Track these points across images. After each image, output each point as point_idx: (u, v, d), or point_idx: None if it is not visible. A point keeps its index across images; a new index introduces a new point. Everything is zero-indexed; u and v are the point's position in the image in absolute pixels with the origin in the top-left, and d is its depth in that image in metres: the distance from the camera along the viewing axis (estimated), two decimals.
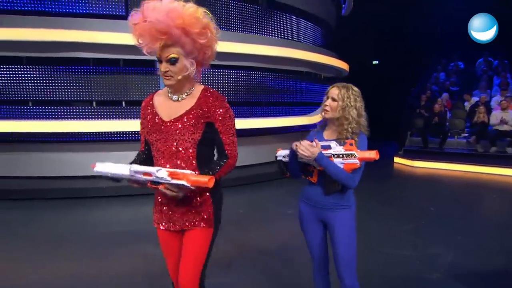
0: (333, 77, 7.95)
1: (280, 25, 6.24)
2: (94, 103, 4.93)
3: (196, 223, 1.33)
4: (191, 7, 1.14)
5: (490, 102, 7.80)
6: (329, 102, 1.57)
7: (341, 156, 1.47)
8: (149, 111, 1.34)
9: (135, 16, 1.13)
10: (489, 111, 7.07)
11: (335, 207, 1.62)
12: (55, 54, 4.51)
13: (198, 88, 1.33)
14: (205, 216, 1.34)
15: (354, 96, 1.55)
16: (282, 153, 1.68)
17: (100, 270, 2.62)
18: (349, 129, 1.53)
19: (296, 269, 2.58)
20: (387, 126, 9.23)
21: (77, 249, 2.98)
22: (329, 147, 1.48)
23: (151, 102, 1.36)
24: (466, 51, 10.60)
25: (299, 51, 5.80)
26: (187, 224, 1.34)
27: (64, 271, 2.57)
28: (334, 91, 1.58)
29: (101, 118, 4.85)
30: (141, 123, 1.38)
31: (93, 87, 4.81)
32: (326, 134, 1.67)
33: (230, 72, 5.48)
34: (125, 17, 4.35)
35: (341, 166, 1.47)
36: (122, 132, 4.97)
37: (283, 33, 6.27)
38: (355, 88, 1.59)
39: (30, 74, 4.62)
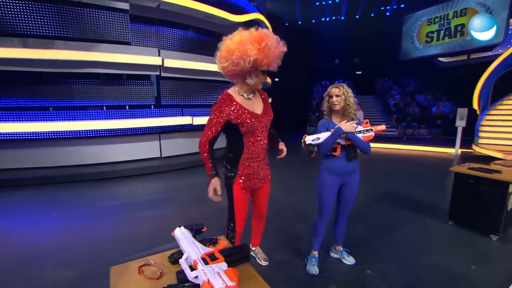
0: (263, 88, 10.43)
1: None
2: (104, 107, 5.69)
3: (269, 177, 1.93)
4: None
5: None
6: (335, 98, 1.91)
7: (362, 132, 1.90)
8: (239, 109, 1.63)
9: (283, 48, 1.60)
10: None
11: (352, 171, 2.02)
12: (75, 70, 5.11)
13: None
14: (270, 172, 1.94)
15: (348, 89, 1.92)
16: (311, 138, 1.95)
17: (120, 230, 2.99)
18: (352, 111, 1.91)
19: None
20: (296, 120, 12.74)
21: (104, 216, 3.42)
22: None
23: (236, 103, 1.64)
24: (331, 75, 15.74)
25: None
26: (264, 179, 1.86)
27: (97, 233, 2.90)
28: (335, 91, 1.92)
29: (110, 118, 5.60)
30: (223, 117, 1.61)
31: (104, 95, 5.55)
32: (335, 120, 1.98)
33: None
34: (129, 43, 5.55)
35: (362, 138, 1.89)
36: (128, 128, 5.74)
37: None
38: (345, 84, 1.96)
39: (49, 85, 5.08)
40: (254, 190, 1.88)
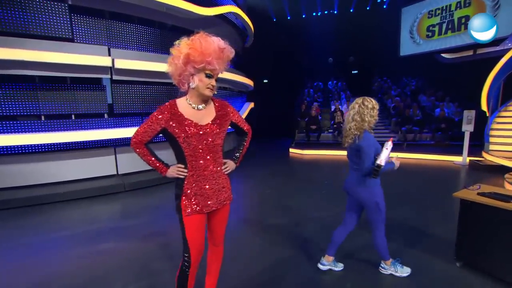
0: (243, 91, 9.72)
1: None
2: (42, 117, 5.03)
3: (227, 201, 1.75)
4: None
5: (342, 108, 11.67)
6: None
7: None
8: (180, 118, 1.53)
9: (222, 45, 1.53)
10: (342, 114, 10.69)
11: None
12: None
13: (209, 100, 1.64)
14: (230, 195, 1.77)
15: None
16: (383, 160, 2.06)
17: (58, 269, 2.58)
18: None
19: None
20: (282, 126, 12.17)
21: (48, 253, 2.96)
22: None
23: (178, 112, 1.54)
24: (323, 75, 15.18)
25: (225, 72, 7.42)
26: (221, 203, 1.69)
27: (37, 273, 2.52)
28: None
29: (51, 130, 4.96)
30: (160, 124, 1.53)
31: (41, 102, 4.86)
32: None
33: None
34: (72, 40, 4.94)
35: None
36: (75, 142, 5.16)
37: None
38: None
39: None
40: (209, 213, 1.71)
